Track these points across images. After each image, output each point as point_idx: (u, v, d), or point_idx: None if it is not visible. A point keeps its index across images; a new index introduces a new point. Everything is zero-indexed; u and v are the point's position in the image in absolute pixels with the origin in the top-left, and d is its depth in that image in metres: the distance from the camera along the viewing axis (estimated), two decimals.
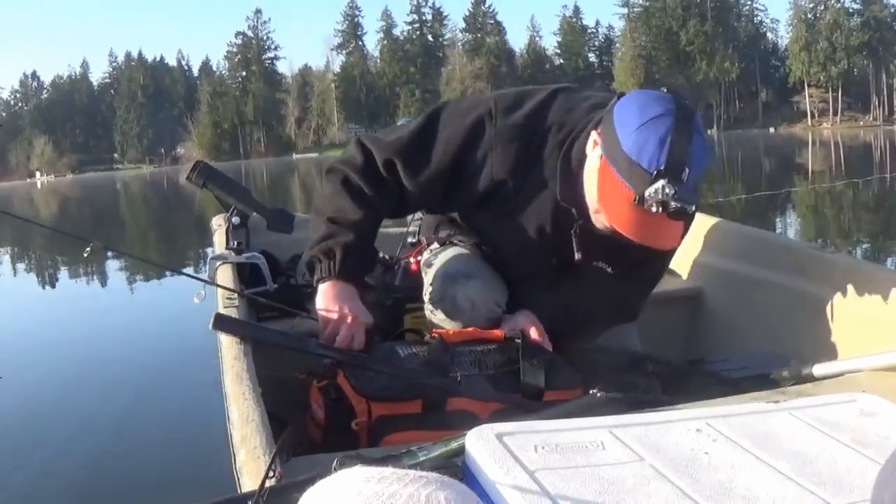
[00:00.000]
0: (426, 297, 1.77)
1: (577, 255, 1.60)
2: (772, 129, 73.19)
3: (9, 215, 2.34)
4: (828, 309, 1.75)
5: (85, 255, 1.85)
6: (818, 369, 1.52)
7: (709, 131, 73.07)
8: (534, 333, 1.62)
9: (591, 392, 1.34)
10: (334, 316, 1.56)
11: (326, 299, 1.59)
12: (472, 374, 1.51)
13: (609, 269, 1.69)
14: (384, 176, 1.64)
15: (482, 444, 0.87)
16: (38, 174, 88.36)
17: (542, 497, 0.76)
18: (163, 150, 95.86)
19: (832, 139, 38.72)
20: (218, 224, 2.52)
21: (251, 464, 1.02)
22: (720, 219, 2.38)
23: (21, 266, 7.80)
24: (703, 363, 1.85)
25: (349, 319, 1.56)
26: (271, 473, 0.90)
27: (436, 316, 1.71)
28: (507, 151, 1.58)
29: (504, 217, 1.68)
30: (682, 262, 2.32)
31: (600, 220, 1.51)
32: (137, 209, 22.10)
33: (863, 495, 0.81)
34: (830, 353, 1.71)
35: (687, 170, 1.35)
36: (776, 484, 0.83)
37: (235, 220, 2.18)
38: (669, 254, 1.78)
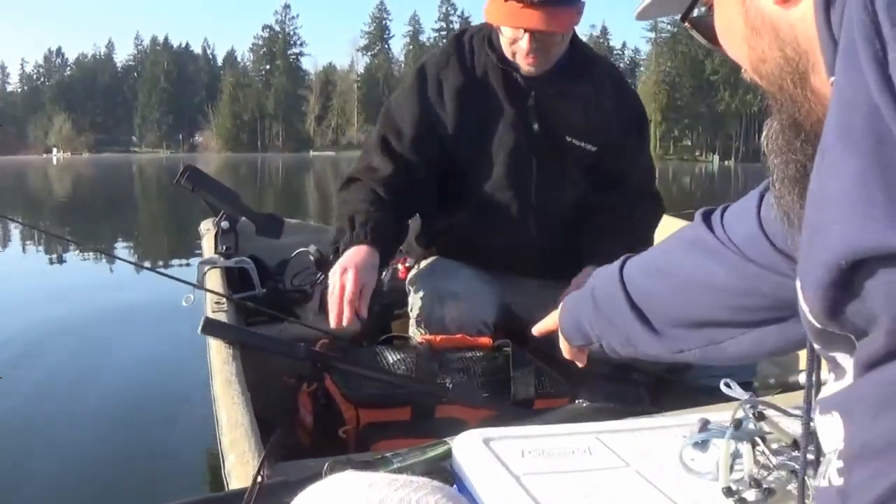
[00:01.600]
0: (413, 315, 1.77)
1: (535, 126, 1.79)
2: None
3: (7, 219, 2.33)
4: None
5: (76, 255, 1.85)
6: (805, 377, 1.53)
7: (726, 162, 73.06)
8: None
9: (577, 402, 1.35)
10: (337, 278, 1.58)
11: (342, 260, 1.61)
12: (461, 381, 1.52)
13: (590, 147, 1.82)
14: (403, 181, 1.76)
15: (469, 448, 0.87)
16: (54, 150, 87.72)
17: (528, 501, 0.77)
18: (181, 137, 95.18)
19: None
20: (206, 228, 2.52)
21: (240, 468, 1.03)
22: None
23: (9, 261, 7.72)
24: (689, 370, 1.86)
25: (351, 286, 1.55)
26: (260, 478, 0.90)
27: (423, 335, 1.72)
28: (453, 63, 1.83)
29: (478, 129, 1.81)
30: None
31: (507, 46, 1.73)
32: (150, 192, 21.84)
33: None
34: None
35: None
36: None
37: (224, 224, 2.18)
38: (643, 129, 1.97)
